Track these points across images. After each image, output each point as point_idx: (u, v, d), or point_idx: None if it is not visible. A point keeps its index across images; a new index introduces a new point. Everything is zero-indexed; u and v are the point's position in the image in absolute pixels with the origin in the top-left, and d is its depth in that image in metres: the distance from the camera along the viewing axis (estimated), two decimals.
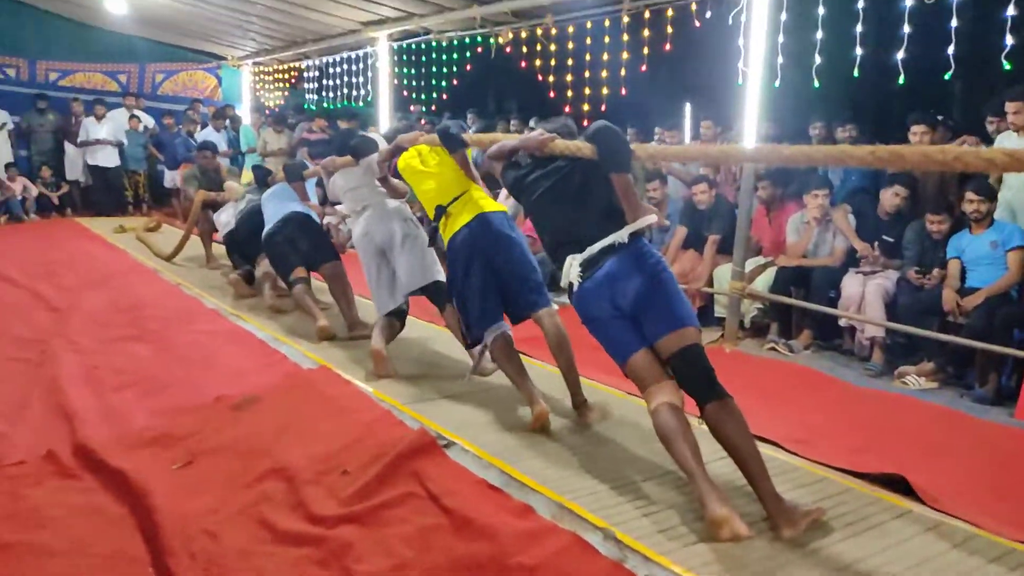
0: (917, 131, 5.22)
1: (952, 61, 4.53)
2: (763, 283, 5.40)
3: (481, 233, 3.59)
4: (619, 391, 3.84)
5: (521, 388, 3.46)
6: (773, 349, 5.17)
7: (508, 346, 3.55)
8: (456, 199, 3.70)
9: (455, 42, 8.08)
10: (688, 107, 8.17)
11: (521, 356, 3.59)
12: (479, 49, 7.83)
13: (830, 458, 3.13)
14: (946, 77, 4.55)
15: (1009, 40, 4.26)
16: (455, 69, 8.31)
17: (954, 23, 4.44)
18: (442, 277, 4.17)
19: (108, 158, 11.11)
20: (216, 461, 3.09)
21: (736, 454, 2.54)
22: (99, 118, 10.95)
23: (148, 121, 11.55)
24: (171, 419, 3.49)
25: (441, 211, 3.71)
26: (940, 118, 5.76)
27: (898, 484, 2.91)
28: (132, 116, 11.26)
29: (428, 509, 2.63)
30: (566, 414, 3.53)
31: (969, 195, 4.62)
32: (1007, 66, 4.31)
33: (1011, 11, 4.21)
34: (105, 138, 10.96)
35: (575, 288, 2.83)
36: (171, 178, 11.04)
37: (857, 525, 2.53)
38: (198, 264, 7.50)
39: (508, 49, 7.32)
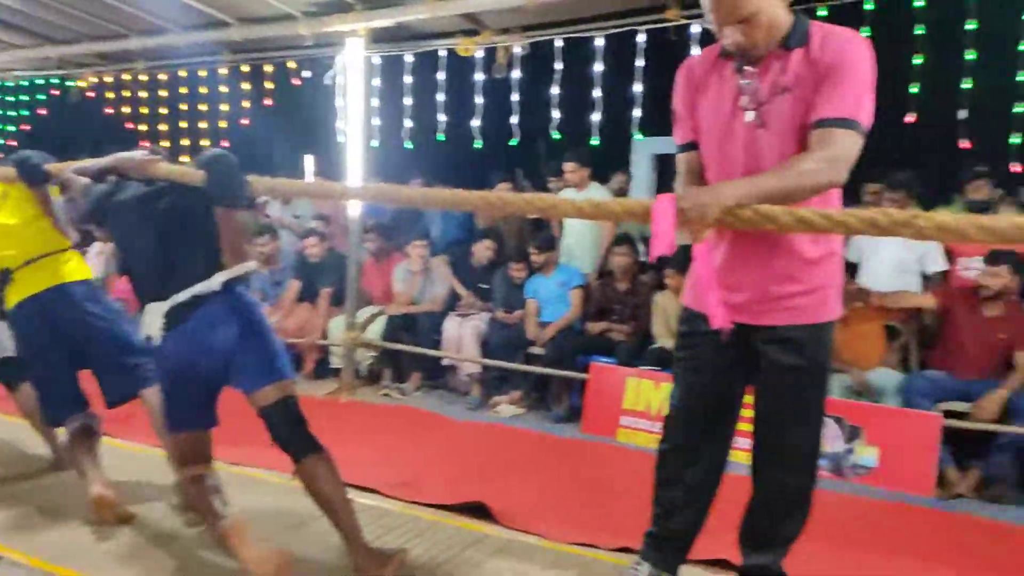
0: (503, 187, 5.96)
1: (518, 129, 5.27)
2: (376, 331, 5.62)
3: (55, 307, 3.13)
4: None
5: (87, 478, 3.09)
6: (387, 395, 5.40)
7: (87, 438, 3.17)
8: (31, 262, 3.17)
9: (25, 82, 7.07)
10: (310, 160, 8.22)
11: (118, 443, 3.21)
12: (55, 91, 6.96)
13: (424, 495, 3.34)
14: (512, 143, 5.28)
15: (556, 114, 5.09)
16: (25, 112, 7.26)
17: (516, 97, 5.18)
18: (11, 353, 3.54)
19: None
20: None
21: (328, 507, 2.56)
22: None
23: None
24: None
25: (7, 276, 3.15)
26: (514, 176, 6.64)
27: (482, 509, 3.21)
28: None
29: None
30: (154, 499, 3.24)
31: (531, 249, 5.40)
32: (557, 135, 5.15)
33: (555, 90, 5.05)
34: None
35: (154, 342, 2.56)
36: None
37: (439, 557, 2.74)
38: None
39: (92, 93, 6.63)
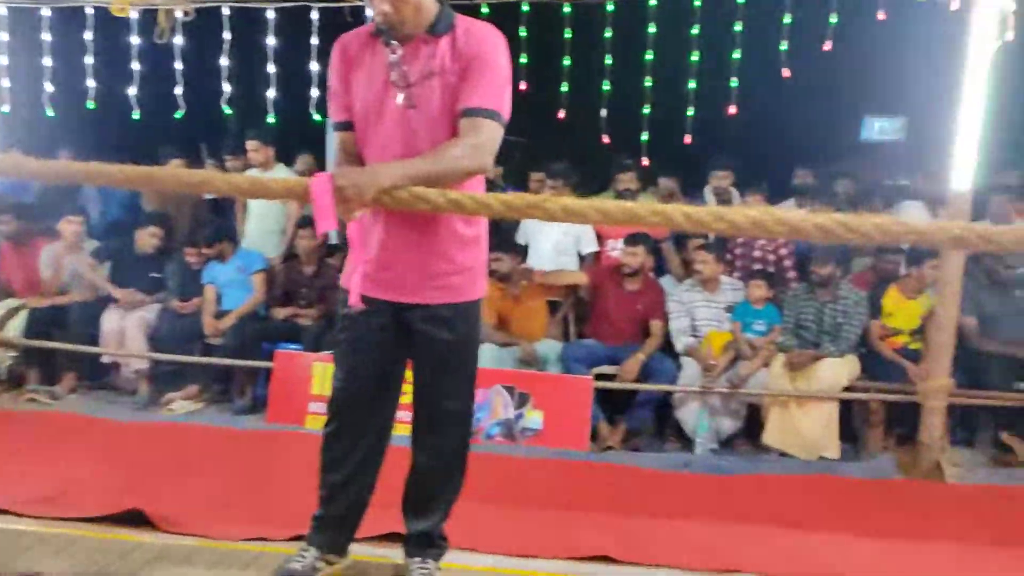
0: (175, 164, 5.44)
1: (183, 101, 4.86)
2: (17, 327, 4.86)
3: None
4: None
5: None
6: (33, 400, 4.71)
7: None
8: None
9: None
10: None
11: None
12: None
13: (70, 510, 2.95)
14: (178, 115, 4.86)
15: (228, 88, 4.78)
16: None
17: (180, 66, 4.77)
18: None
19: None
20: None
21: None
22: None
23: None
24: None
25: None
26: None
27: (141, 517, 2.93)
28: None
29: None
30: None
31: (201, 243, 5.09)
32: (228, 110, 4.84)
33: (225, 62, 4.72)
34: None
35: None
36: None
37: (83, 574, 2.44)
38: None
39: None
